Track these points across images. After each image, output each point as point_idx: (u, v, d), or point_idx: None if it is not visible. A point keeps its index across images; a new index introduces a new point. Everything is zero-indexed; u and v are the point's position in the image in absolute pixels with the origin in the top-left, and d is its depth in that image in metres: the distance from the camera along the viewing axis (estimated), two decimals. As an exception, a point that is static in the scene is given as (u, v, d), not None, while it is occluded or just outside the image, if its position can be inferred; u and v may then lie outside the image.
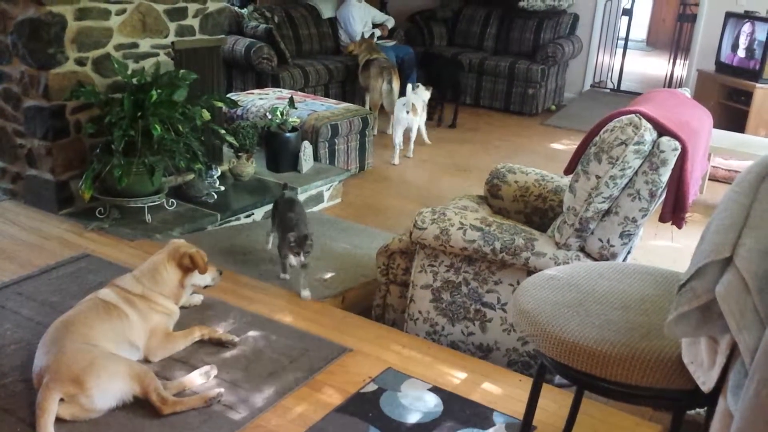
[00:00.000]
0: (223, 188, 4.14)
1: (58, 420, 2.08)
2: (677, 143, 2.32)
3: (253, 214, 4.13)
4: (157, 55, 3.98)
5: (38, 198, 3.77)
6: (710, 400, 1.47)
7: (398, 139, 5.86)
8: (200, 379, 2.36)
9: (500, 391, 2.48)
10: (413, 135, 6.04)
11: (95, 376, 2.13)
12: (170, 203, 3.83)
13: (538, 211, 3.17)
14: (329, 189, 4.72)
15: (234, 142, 4.22)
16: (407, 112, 5.81)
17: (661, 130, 2.35)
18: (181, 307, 2.70)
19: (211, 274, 2.74)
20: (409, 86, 5.99)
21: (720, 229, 1.26)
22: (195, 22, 4.15)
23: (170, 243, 2.72)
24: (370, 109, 6.52)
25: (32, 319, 2.70)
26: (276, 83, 6.39)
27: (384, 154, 5.95)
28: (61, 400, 2.09)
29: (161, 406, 2.17)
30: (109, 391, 2.15)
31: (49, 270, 3.10)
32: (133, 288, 2.52)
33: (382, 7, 8.55)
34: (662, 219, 2.50)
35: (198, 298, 2.90)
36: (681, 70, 8.54)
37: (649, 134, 2.33)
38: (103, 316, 2.37)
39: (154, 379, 2.23)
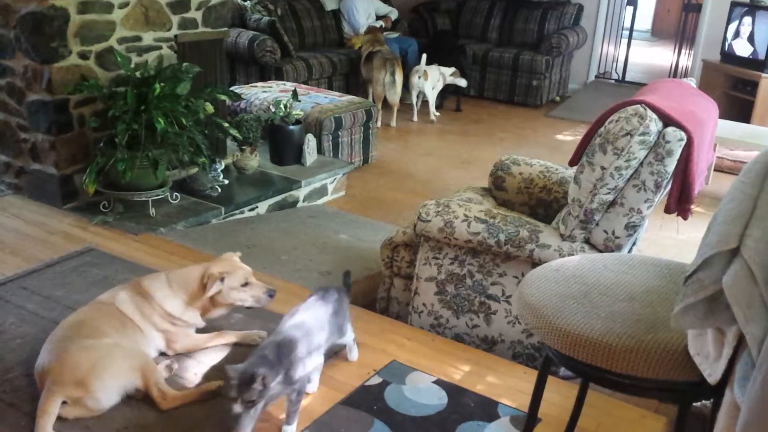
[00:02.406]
0: (226, 181, 4.13)
1: (62, 420, 2.07)
2: (683, 134, 2.31)
3: (257, 207, 4.12)
4: (160, 48, 3.97)
5: (42, 192, 3.77)
6: (717, 392, 1.46)
7: (413, 100, 6.94)
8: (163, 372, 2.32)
9: (505, 384, 2.48)
10: (430, 100, 6.86)
11: (99, 379, 2.11)
12: (174, 197, 3.83)
13: (542, 203, 3.16)
14: (333, 182, 4.71)
15: (237, 135, 4.21)
16: (419, 78, 6.71)
17: (667, 121, 2.33)
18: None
19: (252, 294, 2.45)
20: (424, 56, 6.92)
21: (727, 220, 1.25)
22: (198, 15, 4.14)
23: (220, 257, 2.54)
24: (374, 101, 6.51)
25: (36, 313, 2.70)
26: (279, 76, 6.38)
27: (388, 147, 5.95)
28: (65, 402, 2.09)
29: (161, 401, 2.16)
30: (113, 389, 2.14)
31: (54, 264, 3.10)
32: (157, 294, 2.40)
33: (386, -2, 8.53)
34: (668, 210, 2.49)
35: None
36: (686, 60, 8.50)
37: (654, 125, 2.31)
38: (117, 326, 2.31)
39: (156, 372, 2.22)
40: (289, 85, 5.64)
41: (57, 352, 2.17)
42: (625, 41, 9.12)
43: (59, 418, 2.06)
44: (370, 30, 7.07)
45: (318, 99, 5.33)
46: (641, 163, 2.38)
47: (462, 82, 7.07)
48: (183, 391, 2.24)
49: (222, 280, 2.41)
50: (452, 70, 7.02)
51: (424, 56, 6.93)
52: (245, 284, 2.45)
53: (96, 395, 2.10)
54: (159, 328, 2.40)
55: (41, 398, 2.08)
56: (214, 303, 2.46)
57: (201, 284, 2.43)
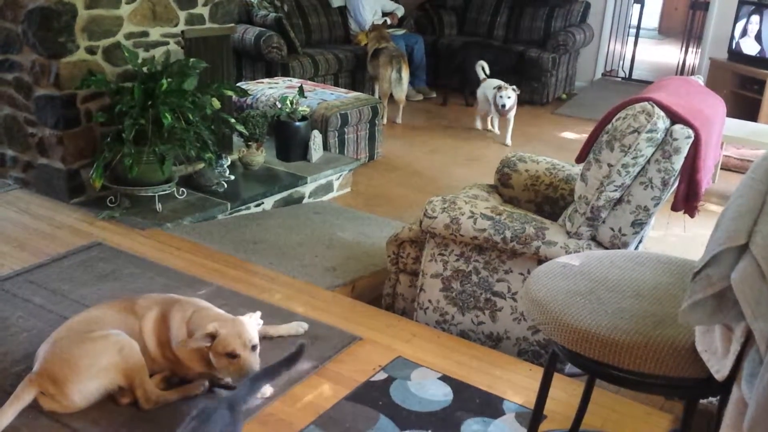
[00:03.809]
0: (233, 177, 4.14)
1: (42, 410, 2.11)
2: (690, 131, 2.30)
3: (263, 203, 4.13)
4: (168, 43, 3.98)
5: (49, 187, 3.78)
6: (724, 388, 1.45)
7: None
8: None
9: (510, 380, 2.48)
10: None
11: (75, 381, 2.08)
12: (180, 192, 3.84)
13: (548, 200, 3.16)
14: (339, 178, 4.71)
15: (244, 131, 4.21)
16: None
17: (674, 118, 2.33)
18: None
19: (234, 369, 2.12)
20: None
21: (736, 216, 1.25)
22: (205, 11, 4.14)
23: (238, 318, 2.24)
24: (380, 98, 6.51)
25: (44, 307, 2.71)
26: (285, 72, 6.38)
27: (394, 144, 5.95)
28: (42, 393, 2.10)
29: (144, 403, 2.14)
30: (89, 391, 2.11)
31: (61, 258, 3.12)
32: (173, 325, 2.25)
33: (392, -5, 8.52)
34: (675, 208, 2.48)
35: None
36: (693, 58, 8.47)
37: (662, 122, 2.31)
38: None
39: (143, 373, 2.16)
40: (296, 82, 5.64)
41: (50, 343, 2.18)
42: (632, 39, 9.09)
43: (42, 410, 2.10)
44: (376, 27, 7.07)
45: (324, 95, 5.33)
46: (648, 161, 2.38)
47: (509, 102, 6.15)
48: (166, 393, 2.21)
49: (213, 338, 2.13)
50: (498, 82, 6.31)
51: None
52: (233, 356, 2.11)
53: (70, 396, 2.08)
54: (167, 357, 2.27)
55: (20, 384, 2.09)
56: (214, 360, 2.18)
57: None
